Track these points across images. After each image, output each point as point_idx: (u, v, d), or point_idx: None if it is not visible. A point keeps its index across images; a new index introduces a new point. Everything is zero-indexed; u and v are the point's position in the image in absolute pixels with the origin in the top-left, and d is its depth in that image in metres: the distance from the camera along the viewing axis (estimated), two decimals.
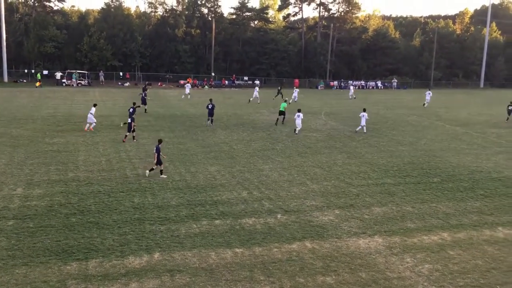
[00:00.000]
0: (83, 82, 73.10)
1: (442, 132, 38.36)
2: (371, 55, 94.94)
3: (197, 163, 25.79)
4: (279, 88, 62.28)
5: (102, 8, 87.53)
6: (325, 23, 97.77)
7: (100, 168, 24.29)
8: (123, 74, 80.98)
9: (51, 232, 16.00)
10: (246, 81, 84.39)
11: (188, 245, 15.39)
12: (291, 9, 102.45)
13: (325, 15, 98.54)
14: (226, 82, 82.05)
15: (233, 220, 17.63)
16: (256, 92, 55.86)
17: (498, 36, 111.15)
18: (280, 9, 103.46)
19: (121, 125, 34.67)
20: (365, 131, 36.54)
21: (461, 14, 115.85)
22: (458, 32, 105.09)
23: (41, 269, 13.50)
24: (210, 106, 38.29)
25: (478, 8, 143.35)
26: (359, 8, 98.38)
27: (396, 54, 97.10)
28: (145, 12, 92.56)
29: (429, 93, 57.56)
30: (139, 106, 39.26)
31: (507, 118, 45.59)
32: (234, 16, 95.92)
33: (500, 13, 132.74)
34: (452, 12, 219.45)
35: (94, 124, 34.50)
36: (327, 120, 43.39)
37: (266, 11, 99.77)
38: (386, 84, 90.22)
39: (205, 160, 26.65)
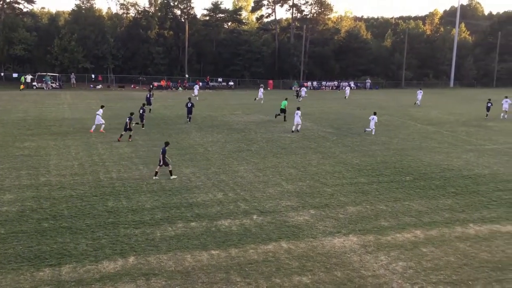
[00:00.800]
0: (53, 85, 71.80)
1: (414, 131, 39.00)
2: (344, 55, 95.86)
3: (172, 165, 25.59)
4: (297, 89, 69.25)
5: (73, 10, 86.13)
6: (298, 25, 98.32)
7: (73, 172, 23.92)
8: (95, 76, 79.89)
9: (23, 238, 15.69)
10: (220, 82, 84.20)
11: (163, 248, 15.28)
12: (264, 11, 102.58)
13: (298, 17, 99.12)
14: (200, 83, 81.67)
15: (208, 222, 17.59)
16: (261, 93, 58.51)
17: (467, 36, 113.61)
18: (253, 10, 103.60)
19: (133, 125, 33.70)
20: (373, 133, 36.83)
21: (431, 15, 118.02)
22: (428, 33, 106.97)
23: (13, 276, 13.22)
24: (189, 105, 40.30)
25: (448, 9, 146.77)
26: (331, 10, 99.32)
27: (368, 54, 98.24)
28: (117, 14, 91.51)
29: (420, 92, 59.18)
30: (144, 104, 40.40)
31: (487, 115, 48.11)
32: (207, 18, 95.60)
33: (469, 13, 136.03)
34: (422, 13, 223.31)
35: (103, 125, 34.84)
36: (302, 120, 43.52)
37: (240, 12, 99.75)
38: (358, 84, 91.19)
39: (180, 162, 26.50)
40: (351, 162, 27.52)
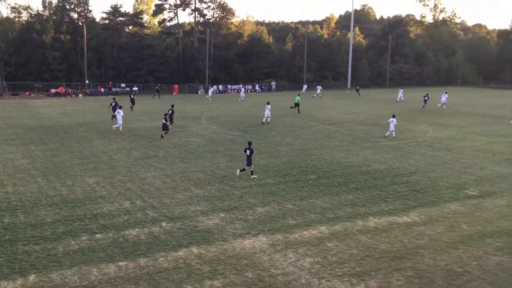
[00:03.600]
0: None
1: (317, 131, 40.55)
2: (247, 59, 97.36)
3: (73, 176, 24.48)
4: (357, 88, 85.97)
5: None
6: (202, 29, 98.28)
7: None
8: None
9: None
10: (123, 88, 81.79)
11: (67, 263, 14.55)
12: (166, 14, 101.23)
13: (201, 21, 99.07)
14: (102, 89, 78.82)
15: (115, 233, 17.02)
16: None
17: (361, 39, 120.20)
18: (155, 14, 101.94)
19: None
20: (394, 135, 37.50)
21: (328, 20, 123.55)
22: (325, 37, 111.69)
23: None
24: (113, 104, 43.75)
25: (343, 13, 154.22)
26: (233, 14, 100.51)
27: (270, 58, 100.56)
28: (8, 18, 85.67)
29: (445, 95, 62.88)
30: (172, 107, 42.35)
31: (423, 106, 60.28)
32: (106, 21, 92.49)
33: (362, 18, 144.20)
34: (319, 17, 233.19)
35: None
36: (208, 124, 43.68)
37: (141, 16, 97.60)
38: (263, 87, 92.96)
39: (83, 172, 25.40)
40: (258, 164, 27.97)
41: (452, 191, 23.29)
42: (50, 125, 41.43)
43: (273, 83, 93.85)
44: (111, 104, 44.14)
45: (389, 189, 23.40)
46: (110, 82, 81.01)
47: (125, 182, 23.54)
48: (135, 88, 78.42)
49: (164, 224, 18.03)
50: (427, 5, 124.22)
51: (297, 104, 52.86)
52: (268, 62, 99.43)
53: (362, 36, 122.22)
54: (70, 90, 75.48)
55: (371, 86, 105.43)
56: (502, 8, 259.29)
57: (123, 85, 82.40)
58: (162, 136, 35.27)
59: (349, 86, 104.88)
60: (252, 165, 25.02)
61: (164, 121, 35.92)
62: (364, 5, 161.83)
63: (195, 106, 60.54)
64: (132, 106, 52.73)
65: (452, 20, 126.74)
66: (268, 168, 27.00)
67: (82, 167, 26.50)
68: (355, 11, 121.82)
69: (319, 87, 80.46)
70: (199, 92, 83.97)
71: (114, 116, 42.45)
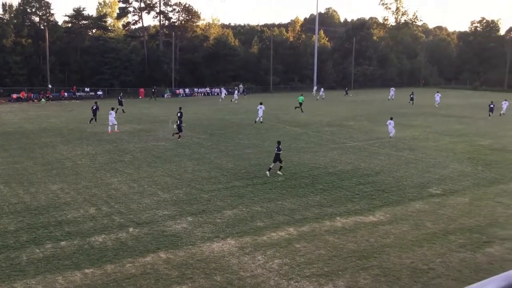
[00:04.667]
0: None
1: (284, 133, 40.78)
2: (214, 62, 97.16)
3: (37, 183, 23.92)
4: (346, 89, 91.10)
5: None
6: (167, 32, 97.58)
7: None
8: None
9: None
10: (87, 92, 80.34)
11: (31, 272, 14.21)
12: (130, 18, 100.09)
13: (166, 24, 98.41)
14: (66, 94, 77.25)
15: (81, 240, 16.71)
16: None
17: (326, 42, 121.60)
18: (119, 17, 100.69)
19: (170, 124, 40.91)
20: (390, 136, 38.73)
21: (293, 23, 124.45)
22: (291, 40, 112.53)
23: None
24: (94, 107, 45.40)
25: (308, 16, 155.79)
26: (199, 17, 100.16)
27: (237, 61, 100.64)
28: None
29: (438, 94, 66.60)
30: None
31: (412, 103, 66.56)
32: (69, 25, 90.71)
33: (327, 21, 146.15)
34: (285, 20, 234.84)
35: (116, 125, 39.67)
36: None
37: (104, 19, 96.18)
38: (230, 90, 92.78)
39: (46, 178, 24.83)
40: (226, 167, 27.97)
41: (416, 190, 23.82)
42: (12, 131, 40.34)
43: (241, 86, 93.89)
44: (93, 108, 45.69)
45: (355, 189, 23.75)
46: (74, 87, 79.47)
47: (91, 188, 23.15)
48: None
49: (131, 229, 17.81)
50: (390, 8, 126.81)
51: (300, 104, 57.01)
52: (235, 65, 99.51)
53: (327, 38, 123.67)
54: (32, 95, 73.71)
55: (336, 88, 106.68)
56: (462, 11, 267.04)
57: (87, 89, 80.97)
58: (179, 136, 37.01)
59: (314, 88, 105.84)
60: (279, 162, 26.18)
61: (178, 123, 37.43)
62: (329, 8, 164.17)
63: (161, 109, 59.99)
64: (122, 108, 54.58)
65: (414, 23, 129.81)
66: (236, 171, 27.01)
67: (46, 173, 25.91)
68: (320, 14, 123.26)
69: (322, 89, 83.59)
70: (165, 95, 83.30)
71: (95, 119, 44.62)
